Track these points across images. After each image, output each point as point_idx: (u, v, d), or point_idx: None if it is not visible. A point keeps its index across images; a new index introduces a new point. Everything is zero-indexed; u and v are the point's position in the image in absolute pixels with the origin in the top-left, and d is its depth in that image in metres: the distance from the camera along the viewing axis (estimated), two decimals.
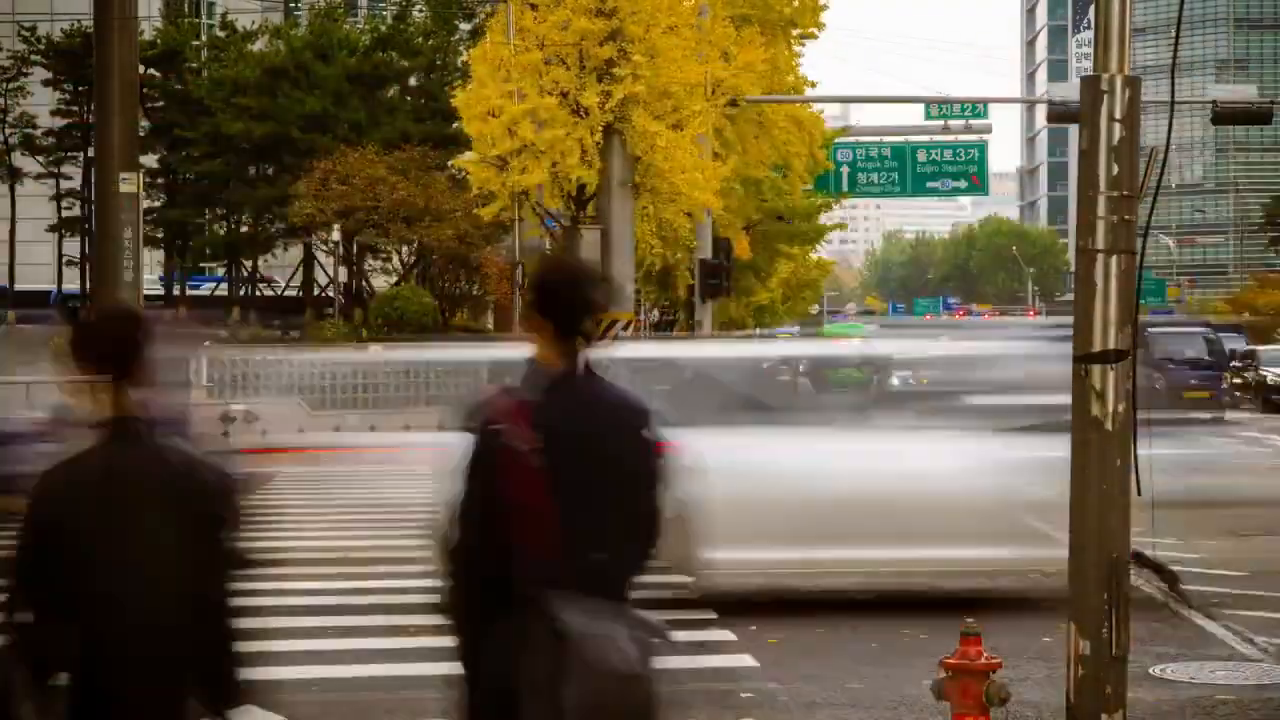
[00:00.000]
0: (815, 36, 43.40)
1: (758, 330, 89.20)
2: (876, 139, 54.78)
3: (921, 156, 54.17)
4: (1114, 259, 7.21)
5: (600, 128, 34.77)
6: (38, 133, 66.35)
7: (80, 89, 63.56)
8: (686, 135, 34.97)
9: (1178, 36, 9.06)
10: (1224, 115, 43.24)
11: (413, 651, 12.28)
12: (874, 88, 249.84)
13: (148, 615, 4.79)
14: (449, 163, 54.99)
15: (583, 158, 34.77)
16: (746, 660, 11.93)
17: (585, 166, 34.77)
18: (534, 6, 35.47)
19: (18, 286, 68.36)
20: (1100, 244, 7.21)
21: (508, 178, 35.69)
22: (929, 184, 54.82)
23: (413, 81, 61.55)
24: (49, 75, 65.28)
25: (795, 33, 42.95)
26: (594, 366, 5.25)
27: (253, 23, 71.62)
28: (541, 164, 34.77)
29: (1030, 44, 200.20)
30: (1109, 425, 7.17)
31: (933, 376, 17.86)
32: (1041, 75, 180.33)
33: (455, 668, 5.20)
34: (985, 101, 49.67)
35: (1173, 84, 7.89)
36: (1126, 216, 7.24)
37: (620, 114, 34.77)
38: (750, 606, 14.13)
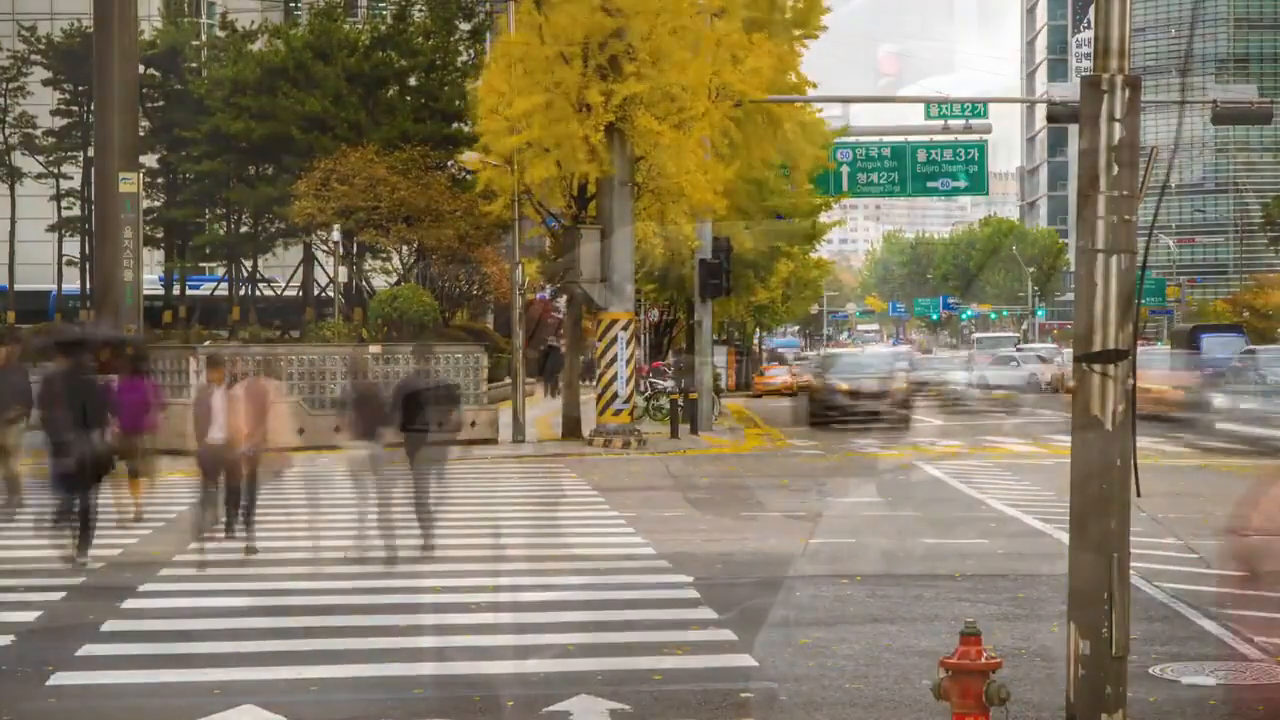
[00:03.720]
0: (816, 37, 43.34)
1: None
2: (876, 139, 54.72)
3: (921, 156, 54.11)
4: (1114, 259, 7.21)
5: (602, 126, 34.74)
6: (38, 133, 66.30)
7: (80, 89, 63.51)
8: (691, 136, 34.89)
9: (1190, 37, 9.03)
10: (1224, 115, 43.21)
11: (400, 652, 12.27)
12: (874, 88, 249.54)
13: None
14: (449, 161, 54.95)
15: (590, 156, 34.73)
16: (746, 660, 11.92)
17: (591, 163, 34.73)
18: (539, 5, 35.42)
19: (18, 286, 68.33)
20: (1100, 244, 7.21)
21: (520, 173, 35.67)
22: (929, 184, 54.76)
23: (413, 81, 61.50)
24: (49, 75, 65.22)
25: (798, 33, 42.86)
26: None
27: (252, 23, 71.54)
28: (547, 160, 34.74)
29: (1030, 44, 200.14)
30: (1109, 425, 7.17)
31: None
32: (1041, 75, 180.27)
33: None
34: (985, 101, 49.63)
35: (1181, 84, 7.89)
36: (1126, 216, 7.23)
37: (622, 113, 34.73)
38: (750, 606, 14.13)
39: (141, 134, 45.94)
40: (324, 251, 58.36)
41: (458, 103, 59.07)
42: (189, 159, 62.87)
